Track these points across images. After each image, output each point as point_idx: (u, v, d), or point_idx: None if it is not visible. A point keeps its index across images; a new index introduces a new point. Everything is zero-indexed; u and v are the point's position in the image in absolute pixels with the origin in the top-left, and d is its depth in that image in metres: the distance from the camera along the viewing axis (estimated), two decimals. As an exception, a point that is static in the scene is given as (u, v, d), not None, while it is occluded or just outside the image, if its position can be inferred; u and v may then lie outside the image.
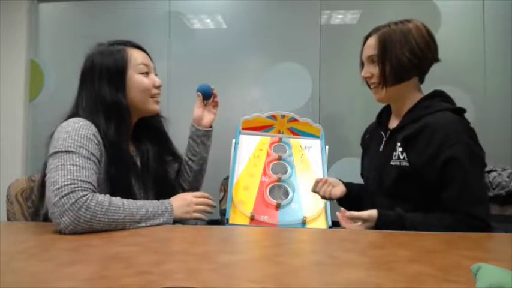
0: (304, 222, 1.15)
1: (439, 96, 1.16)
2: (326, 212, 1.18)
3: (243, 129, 1.42)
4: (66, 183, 0.90)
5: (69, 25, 2.78)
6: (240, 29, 2.57)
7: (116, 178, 1.04)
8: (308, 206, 1.19)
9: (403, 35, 1.10)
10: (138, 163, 1.17)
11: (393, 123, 1.20)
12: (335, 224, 1.17)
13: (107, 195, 0.95)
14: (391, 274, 0.61)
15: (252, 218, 1.14)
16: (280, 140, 1.40)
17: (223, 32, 2.60)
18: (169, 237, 0.92)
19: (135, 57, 1.10)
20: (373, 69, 1.15)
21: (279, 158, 1.32)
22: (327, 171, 1.32)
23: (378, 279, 0.59)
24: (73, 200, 0.88)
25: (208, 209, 1.09)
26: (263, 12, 2.56)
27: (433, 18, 2.36)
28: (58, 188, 0.89)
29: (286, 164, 1.31)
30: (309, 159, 1.35)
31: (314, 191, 1.21)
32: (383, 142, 1.18)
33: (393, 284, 0.57)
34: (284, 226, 1.12)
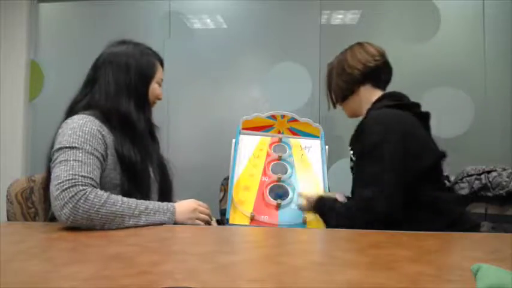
0: (304, 222, 1.15)
1: (386, 98, 1.21)
2: (326, 212, 1.18)
3: (243, 129, 1.42)
4: (67, 178, 0.93)
5: (69, 25, 2.79)
6: (240, 29, 2.57)
7: (136, 160, 1.08)
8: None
9: (337, 64, 1.26)
10: None
11: None
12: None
13: (108, 192, 0.97)
14: (391, 274, 0.61)
15: (252, 218, 1.14)
16: (280, 140, 1.40)
17: (223, 32, 2.60)
18: (169, 237, 0.92)
19: (159, 70, 1.23)
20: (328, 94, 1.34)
21: (279, 158, 1.32)
22: (327, 171, 1.32)
23: (378, 279, 0.59)
24: (72, 193, 0.91)
25: (209, 219, 1.12)
26: (263, 12, 2.56)
27: (433, 19, 2.36)
28: (60, 182, 0.92)
29: (286, 164, 1.31)
30: (309, 159, 1.35)
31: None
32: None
33: (393, 284, 0.57)
34: (284, 226, 1.12)
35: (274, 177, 1.25)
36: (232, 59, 2.56)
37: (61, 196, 0.91)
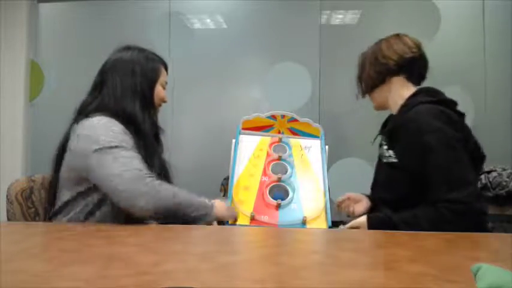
0: (304, 222, 1.15)
1: (423, 92, 1.19)
2: (326, 212, 1.18)
3: (243, 129, 1.42)
4: (133, 172, 0.99)
5: (69, 25, 2.79)
6: (240, 29, 2.57)
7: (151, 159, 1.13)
8: (308, 206, 1.19)
9: (372, 54, 1.24)
10: None
11: None
12: (335, 224, 1.17)
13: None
14: (391, 274, 0.61)
15: (252, 218, 1.14)
16: (280, 140, 1.40)
17: (223, 32, 2.60)
18: (169, 237, 0.92)
19: (163, 74, 1.27)
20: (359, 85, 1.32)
21: (279, 158, 1.32)
22: (327, 171, 1.32)
23: (378, 279, 0.59)
24: (145, 184, 0.98)
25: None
26: (263, 12, 2.56)
27: (433, 19, 2.36)
28: (124, 178, 0.98)
29: (286, 164, 1.31)
30: (309, 159, 1.35)
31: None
32: (381, 143, 1.25)
33: (393, 284, 0.57)
34: (284, 226, 1.12)
35: (274, 177, 1.25)
36: (232, 59, 2.56)
37: (132, 189, 0.97)
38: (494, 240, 0.92)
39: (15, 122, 2.68)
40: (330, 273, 0.62)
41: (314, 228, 1.13)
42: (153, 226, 0.99)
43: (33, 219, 1.24)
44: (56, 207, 1.13)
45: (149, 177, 1.01)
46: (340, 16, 2.54)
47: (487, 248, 0.84)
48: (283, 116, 1.42)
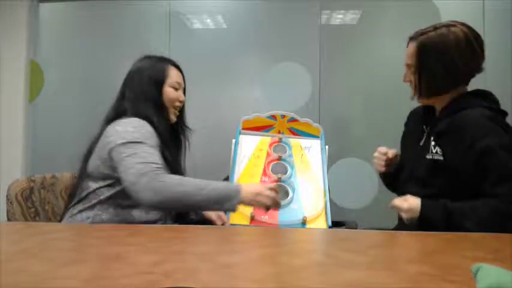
0: (304, 222, 1.15)
1: (479, 95, 1.15)
2: (326, 212, 1.19)
3: (243, 129, 1.42)
4: (142, 166, 1.04)
5: (70, 25, 2.78)
6: (240, 29, 2.57)
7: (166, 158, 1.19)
8: (308, 206, 1.19)
9: (443, 46, 1.09)
10: None
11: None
12: (335, 224, 1.17)
13: (180, 176, 1.10)
14: (391, 274, 0.61)
15: (252, 218, 1.14)
16: (280, 140, 1.40)
17: (223, 32, 2.60)
18: (169, 237, 0.92)
19: (173, 74, 1.31)
20: (411, 76, 1.16)
21: (279, 158, 1.32)
22: (327, 171, 1.32)
23: (378, 279, 0.59)
24: (150, 178, 1.02)
25: (274, 203, 1.07)
26: (263, 12, 2.56)
27: (433, 19, 2.36)
28: (137, 171, 1.04)
29: (286, 164, 1.31)
30: (309, 160, 1.35)
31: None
32: (424, 136, 1.19)
33: (393, 284, 0.57)
34: (284, 226, 1.12)
35: (274, 177, 1.25)
36: (232, 59, 2.55)
37: (140, 181, 1.02)
38: (494, 240, 0.92)
39: (15, 122, 2.68)
40: (330, 273, 0.62)
41: (314, 228, 1.13)
42: (153, 226, 0.99)
43: (33, 219, 1.24)
44: (79, 197, 1.19)
45: (156, 170, 1.04)
46: (340, 16, 2.54)
47: (487, 248, 0.84)
48: (283, 116, 1.43)
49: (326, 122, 2.38)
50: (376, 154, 1.29)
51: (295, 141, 1.40)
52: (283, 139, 1.40)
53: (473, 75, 1.15)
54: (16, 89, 2.69)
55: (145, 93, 1.25)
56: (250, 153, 1.35)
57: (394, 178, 1.25)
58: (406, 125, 1.36)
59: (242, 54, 2.57)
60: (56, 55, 2.74)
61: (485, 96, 1.16)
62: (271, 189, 1.06)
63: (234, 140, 1.37)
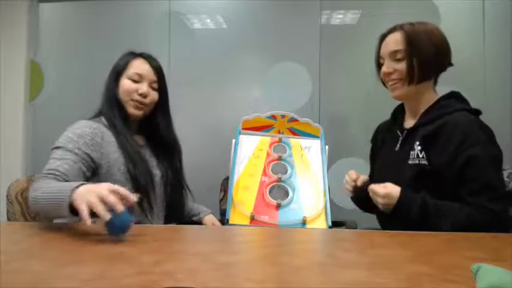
0: (304, 222, 1.15)
1: (455, 97, 1.17)
2: (326, 212, 1.18)
3: (243, 129, 1.42)
4: (42, 174, 1.02)
5: (70, 25, 2.78)
6: (240, 29, 2.57)
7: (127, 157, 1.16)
8: (308, 206, 1.19)
9: (427, 33, 1.14)
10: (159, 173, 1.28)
11: (409, 123, 1.21)
12: (335, 224, 1.17)
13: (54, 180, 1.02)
14: (391, 274, 0.61)
15: (252, 218, 1.14)
16: (280, 140, 1.40)
17: (223, 32, 2.60)
18: (169, 237, 0.92)
19: (133, 66, 1.25)
20: (395, 65, 1.16)
21: (279, 158, 1.32)
22: (327, 171, 1.32)
23: (378, 279, 0.59)
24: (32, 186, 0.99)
25: (111, 207, 0.81)
26: (263, 12, 2.56)
27: (433, 18, 2.36)
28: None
29: (286, 164, 1.31)
30: (309, 160, 1.35)
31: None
32: (399, 141, 1.20)
33: (393, 284, 0.57)
34: (284, 226, 1.12)
35: (274, 177, 1.25)
36: (232, 59, 2.55)
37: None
38: (494, 240, 0.92)
39: (15, 122, 2.68)
40: (330, 273, 0.62)
41: (314, 228, 1.13)
42: (153, 226, 0.99)
43: (33, 219, 1.24)
44: None
45: (43, 177, 1.00)
46: (340, 16, 2.54)
47: (487, 248, 0.84)
48: (283, 116, 1.42)
49: (326, 122, 2.38)
50: (346, 178, 1.30)
51: (295, 141, 1.40)
52: (283, 139, 1.40)
53: (445, 68, 1.17)
54: (16, 89, 2.69)
55: (106, 87, 1.25)
56: (250, 153, 1.35)
57: (367, 198, 1.20)
58: (374, 139, 1.38)
59: (242, 54, 2.57)
60: (56, 55, 2.74)
61: (462, 99, 1.18)
62: (113, 191, 0.81)
63: (234, 140, 1.37)
